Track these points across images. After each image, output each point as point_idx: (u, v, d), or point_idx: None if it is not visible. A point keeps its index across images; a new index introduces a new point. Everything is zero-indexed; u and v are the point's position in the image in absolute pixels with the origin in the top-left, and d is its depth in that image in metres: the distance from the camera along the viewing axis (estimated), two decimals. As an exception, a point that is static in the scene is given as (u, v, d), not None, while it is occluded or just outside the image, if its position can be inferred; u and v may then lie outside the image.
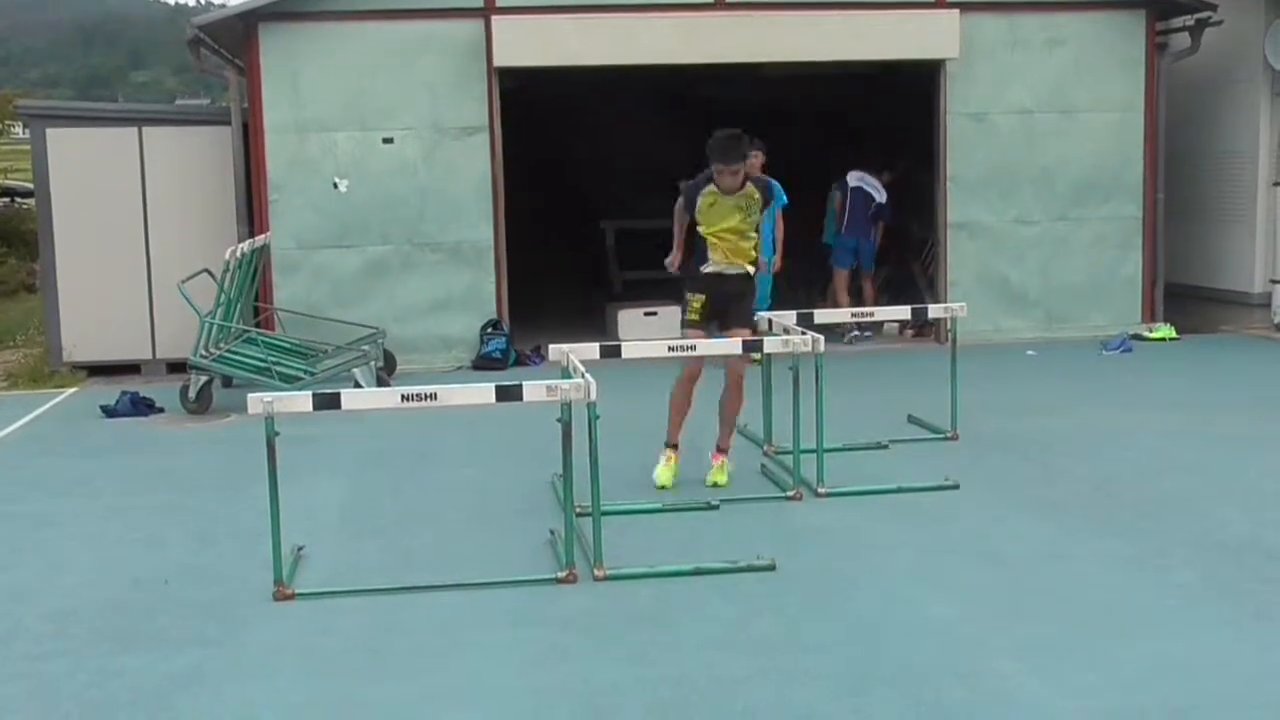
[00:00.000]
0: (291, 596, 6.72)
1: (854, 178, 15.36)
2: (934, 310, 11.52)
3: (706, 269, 8.84)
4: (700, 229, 8.81)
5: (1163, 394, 12.01)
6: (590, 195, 20.57)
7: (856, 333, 15.09)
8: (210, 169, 14.47)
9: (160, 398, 12.21)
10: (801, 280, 17.83)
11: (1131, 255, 15.32)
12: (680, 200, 8.93)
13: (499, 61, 13.92)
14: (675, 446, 8.92)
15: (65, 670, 5.88)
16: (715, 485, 8.76)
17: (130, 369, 14.40)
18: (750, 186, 8.80)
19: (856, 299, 15.38)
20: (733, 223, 8.74)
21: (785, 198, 12.97)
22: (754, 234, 8.91)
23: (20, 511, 8.74)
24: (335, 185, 14.03)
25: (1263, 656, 5.72)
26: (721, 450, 9.00)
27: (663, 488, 8.68)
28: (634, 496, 8.30)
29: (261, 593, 6.76)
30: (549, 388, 6.84)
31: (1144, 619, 6.21)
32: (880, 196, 15.39)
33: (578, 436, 6.83)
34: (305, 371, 12.20)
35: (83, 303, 14.42)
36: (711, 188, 8.71)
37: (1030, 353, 14.26)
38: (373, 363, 12.40)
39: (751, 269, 8.93)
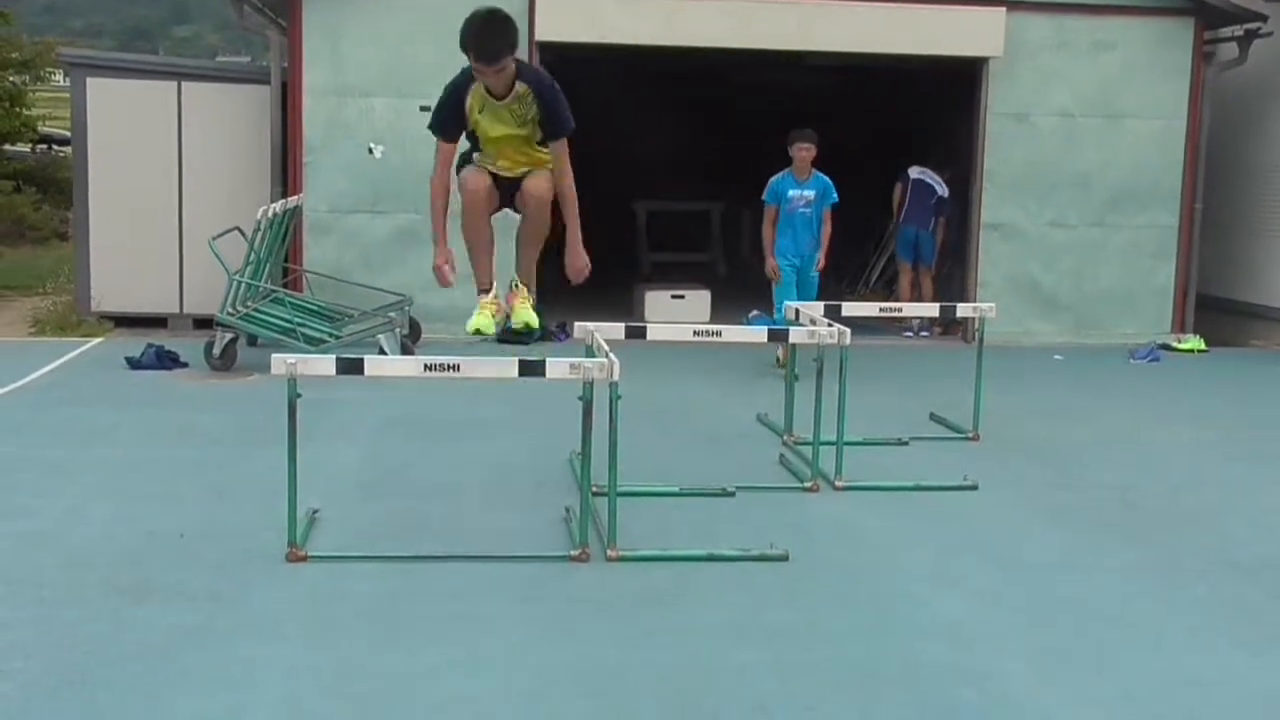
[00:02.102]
0: (304, 558, 6.73)
1: (915, 171, 15.39)
2: (963, 310, 11.47)
3: (481, 158, 7.06)
4: (480, 141, 6.99)
5: (1188, 406, 11.94)
6: (623, 175, 20.53)
7: (916, 331, 15.18)
8: (247, 127, 14.49)
9: (185, 352, 12.25)
10: (832, 273, 17.83)
11: (1165, 265, 15.24)
12: (436, 142, 6.97)
13: (541, 35, 13.89)
14: (488, 290, 7.37)
15: (77, 618, 5.90)
16: (526, 328, 7.37)
17: (157, 322, 14.45)
18: (520, 85, 6.72)
19: (915, 294, 15.37)
20: (511, 129, 6.88)
21: (836, 195, 12.49)
22: (541, 147, 6.95)
23: (41, 458, 8.77)
24: (370, 151, 14.03)
25: (1274, 676, 5.68)
26: (524, 285, 7.47)
27: (478, 332, 7.35)
28: (651, 478, 8.28)
29: (274, 553, 6.77)
30: (572, 365, 6.83)
31: (1156, 632, 6.18)
32: (942, 190, 15.35)
33: (598, 416, 6.82)
34: (330, 335, 12.22)
35: (113, 253, 14.47)
36: (478, 87, 6.80)
37: (1057, 357, 14.20)
38: (398, 330, 12.40)
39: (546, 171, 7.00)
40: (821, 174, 12.38)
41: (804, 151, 12.23)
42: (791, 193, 12.26)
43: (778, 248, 12.34)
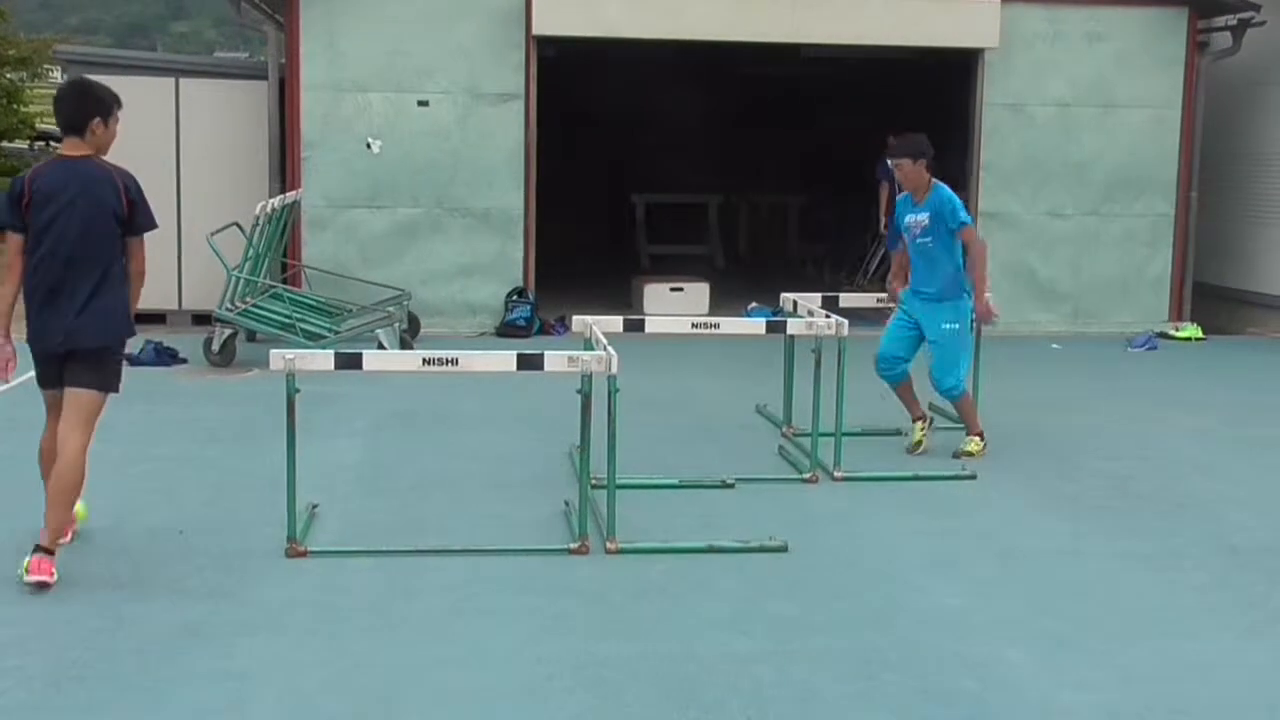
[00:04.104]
0: (304, 554, 6.75)
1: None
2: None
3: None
4: None
5: (1186, 394, 11.96)
6: (621, 168, 20.57)
7: None
8: (245, 123, 14.49)
9: (184, 349, 12.25)
10: (831, 263, 17.88)
11: (1161, 254, 15.26)
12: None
13: (538, 29, 13.90)
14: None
15: (76, 615, 5.92)
16: None
17: (156, 319, 14.43)
18: None
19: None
20: None
21: (964, 214, 9.15)
22: None
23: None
24: (368, 145, 14.03)
25: (1274, 661, 5.71)
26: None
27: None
28: (650, 471, 8.29)
29: (274, 548, 6.78)
30: (570, 359, 6.85)
31: (1156, 619, 6.20)
32: None
33: (597, 409, 6.84)
34: (329, 330, 12.23)
35: (112, 250, 14.45)
36: None
37: (1055, 346, 14.21)
38: (397, 324, 12.41)
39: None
40: (942, 186, 9.12)
41: (900, 170, 9.16)
42: (908, 218, 9.16)
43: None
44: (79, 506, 6.88)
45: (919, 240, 9.05)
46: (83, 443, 6.48)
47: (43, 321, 6.36)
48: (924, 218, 8.99)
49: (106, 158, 6.62)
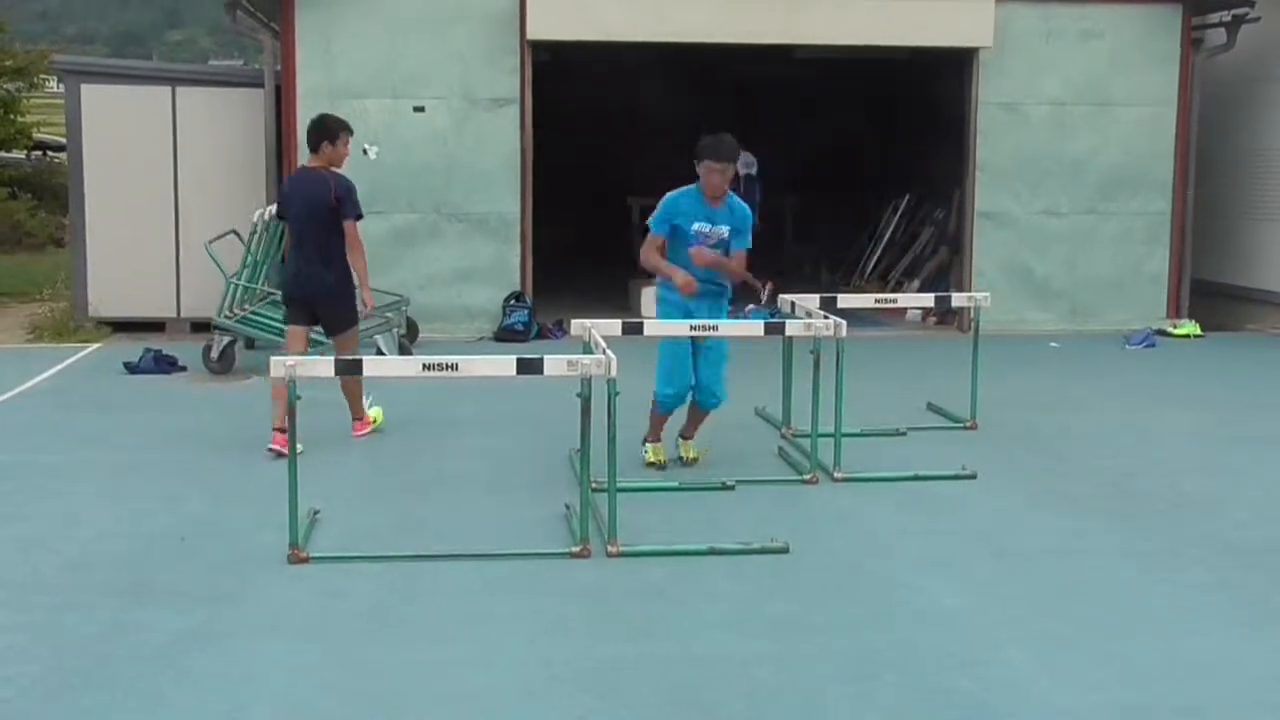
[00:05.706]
0: (305, 559, 6.75)
1: (744, 164, 15.73)
2: (957, 299, 11.48)
3: None
4: None
5: (1185, 391, 11.97)
6: (618, 171, 20.55)
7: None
8: (242, 131, 14.51)
9: (183, 356, 12.27)
10: (828, 264, 17.91)
11: (1158, 251, 15.28)
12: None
13: (532, 34, 13.92)
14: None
15: (77, 622, 5.93)
16: None
17: (155, 327, 14.46)
18: None
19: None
20: None
21: (750, 239, 8.70)
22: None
23: (41, 463, 8.79)
24: (365, 152, 14.03)
25: (1274, 659, 5.71)
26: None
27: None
28: (650, 474, 8.30)
29: (276, 554, 6.79)
30: (569, 362, 6.85)
31: (1157, 617, 6.20)
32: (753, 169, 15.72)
33: (597, 412, 6.84)
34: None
35: (110, 259, 14.49)
36: None
37: (1053, 345, 14.22)
38: (396, 330, 12.42)
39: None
40: (734, 196, 8.69)
41: (724, 174, 8.46)
42: (699, 225, 8.47)
43: (661, 306, 8.83)
44: (376, 412, 9.72)
45: (713, 248, 8.48)
46: None
47: (296, 278, 9.17)
48: (724, 230, 8.47)
49: (341, 169, 9.23)
